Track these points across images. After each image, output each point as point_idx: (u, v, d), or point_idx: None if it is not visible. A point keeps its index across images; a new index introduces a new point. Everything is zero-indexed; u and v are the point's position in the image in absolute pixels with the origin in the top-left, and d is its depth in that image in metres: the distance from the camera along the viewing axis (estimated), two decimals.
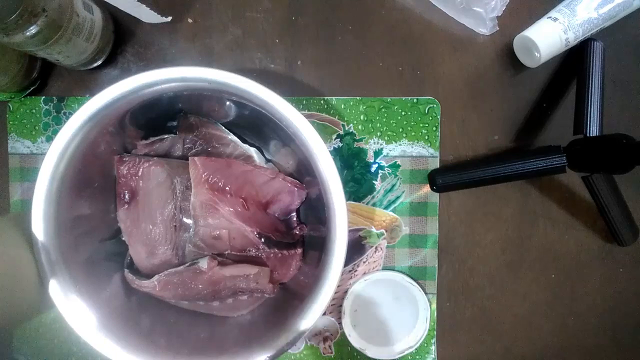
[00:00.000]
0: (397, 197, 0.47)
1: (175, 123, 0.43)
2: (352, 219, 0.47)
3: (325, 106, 0.46)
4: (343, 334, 0.47)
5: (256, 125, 0.42)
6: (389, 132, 0.47)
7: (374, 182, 0.47)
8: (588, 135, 0.40)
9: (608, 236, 0.47)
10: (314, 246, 0.42)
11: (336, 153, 0.47)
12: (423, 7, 0.46)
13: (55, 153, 0.36)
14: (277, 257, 0.43)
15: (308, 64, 0.47)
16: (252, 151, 0.44)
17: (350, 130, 0.47)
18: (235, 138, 0.43)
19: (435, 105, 0.46)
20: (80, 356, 0.48)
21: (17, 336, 0.48)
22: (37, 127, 0.47)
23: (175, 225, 0.43)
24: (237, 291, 0.43)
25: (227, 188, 0.42)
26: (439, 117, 0.46)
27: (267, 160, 0.45)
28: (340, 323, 0.47)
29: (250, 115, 0.39)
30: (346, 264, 0.44)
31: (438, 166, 0.47)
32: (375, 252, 0.47)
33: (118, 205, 0.43)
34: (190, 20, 0.46)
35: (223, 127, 0.43)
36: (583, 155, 0.40)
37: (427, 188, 0.47)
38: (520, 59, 0.46)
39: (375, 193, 0.47)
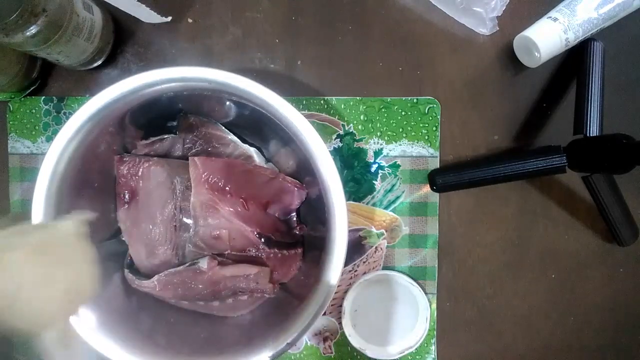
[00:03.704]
0: (397, 197, 0.47)
1: (175, 123, 0.43)
2: (352, 219, 0.47)
3: (325, 106, 0.46)
4: (343, 334, 0.47)
5: (256, 125, 0.42)
6: (389, 132, 0.47)
7: (374, 182, 0.47)
8: (588, 135, 0.40)
9: (608, 236, 0.47)
10: (314, 246, 0.42)
11: (336, 153, 0.47)
12: (423, 7, 0.46)
13: (55, 153, 0.36)
14: (277, 257, 0.43)
15: (308, 64, 0.47)
16: (252, 151, 0.44)
17: (350, 130, 0.47)
18: (235, 138, 0.43)
19: (435, 105, 0.46)
20: None
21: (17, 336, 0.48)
22: (37, 127, 0.47)
23: (175, 225, 0.43)
24: (237, 291, 0.43)
25: (227, 188, 0.42)
26: (439, 117, 0.46)
27: (267, 160, 0.45)
28: (340, 323, 0.47)
29: (250, 115, 0.39)
30: (346, 264, 0.44)
31: (438, 166, 0.47)
32: (375, 252, 0.47)
33: (118, 205, 0.43)
34: (190, 20, 0.46)
35: (223, 127, 0.43)
36: (583, 155, 0.40)
37: (427, 188, 0.47)
38: (520, 59, 0.46)
39: (375, 193, 0.47)
